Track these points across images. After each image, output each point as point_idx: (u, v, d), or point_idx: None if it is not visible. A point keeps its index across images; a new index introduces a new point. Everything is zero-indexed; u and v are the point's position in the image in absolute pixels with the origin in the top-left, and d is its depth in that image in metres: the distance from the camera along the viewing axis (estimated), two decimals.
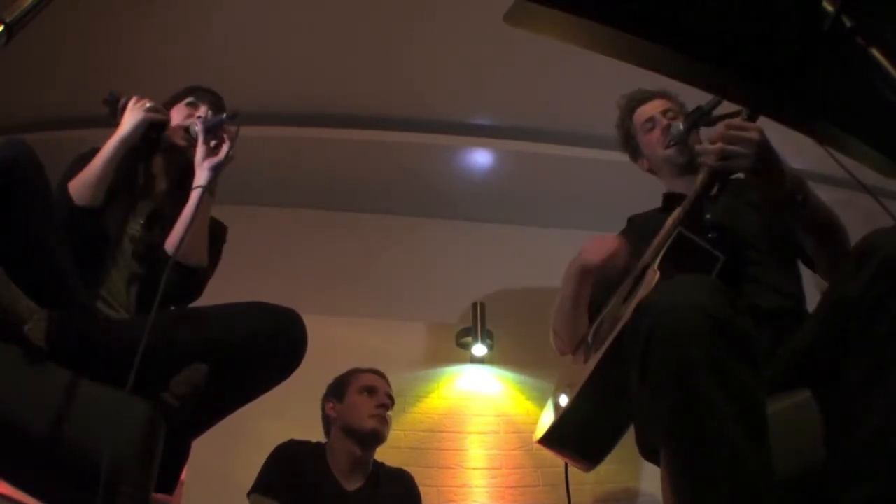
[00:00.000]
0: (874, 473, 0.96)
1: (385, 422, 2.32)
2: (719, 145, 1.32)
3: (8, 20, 0.71)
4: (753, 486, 0.94)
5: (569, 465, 1.51)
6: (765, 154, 1.29)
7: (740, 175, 1.49)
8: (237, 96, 1.82)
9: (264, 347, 1.39)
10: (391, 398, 2.39)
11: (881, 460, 0.96)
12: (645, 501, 2.93)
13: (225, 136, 1.62)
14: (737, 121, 1.32)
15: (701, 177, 1.48)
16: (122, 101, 1.64)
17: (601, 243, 1.57)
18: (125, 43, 2.80)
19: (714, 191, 1.53)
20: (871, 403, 0.99)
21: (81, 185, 1.50)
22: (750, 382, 1.00)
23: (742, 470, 0.95)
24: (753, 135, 1.29)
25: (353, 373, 2.42)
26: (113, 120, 1.62)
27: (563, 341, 1.67)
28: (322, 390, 2.44)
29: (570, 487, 1.61)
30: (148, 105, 1.61)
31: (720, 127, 1.33)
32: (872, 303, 1.01)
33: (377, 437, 2.29)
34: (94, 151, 1.55)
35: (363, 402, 2.31)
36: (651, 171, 1.77)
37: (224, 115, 1.64)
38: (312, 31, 2.81)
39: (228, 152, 1.60)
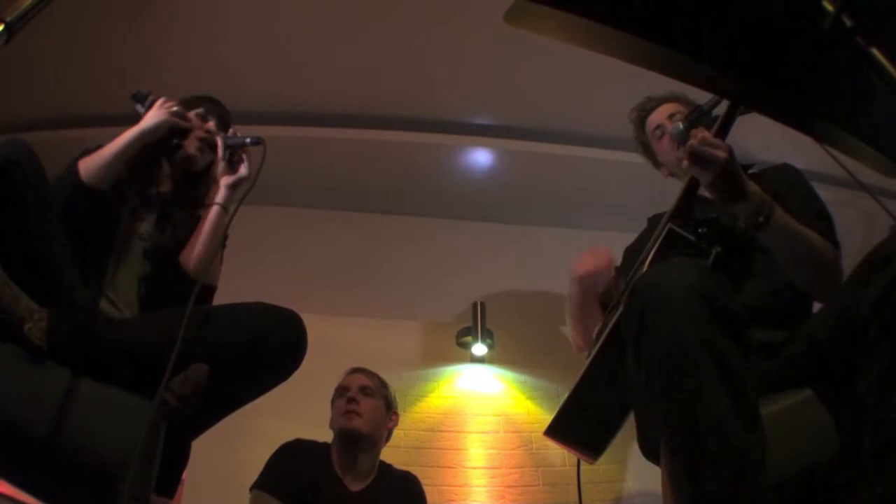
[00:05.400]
0: (883, 478, 0.96)
1: (355, 415, 2.27)
2: (689, 145, 1.34)
3: (8, 20, 0.70)
4: (747, 466, 0.95)
5: (579, 459, 1.52)
6: (727, 173, 1.31)
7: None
8: (239, 96, 1.83)
9: (265, 348, 1.39)
10: (363, 389, 2.34)
11: (892, 466, 0.96)
12: (645, 501, 2.93)
13: (244, 156, 1.67)
14: (710, 136, 1.34)
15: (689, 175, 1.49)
16: (151, 98, 1.64)
17: (588, 257, 1.64)
18: (127, 43, 2.80)
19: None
20: (884, 409, 0.99)
21: (92, 164, 1.50)
22: (738, 361, 1.01)
23: (736, 449, 0.95)
24: (720, 153, 1.31)
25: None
26: (138, 117, 1.61)
27: (577, 335, 1.72)
28: (322, 390, 2.44)
29: (570, 487, 1.62)
30: (174, 109, 1.62)
31: (696, 134, 1.34)
32: (892, 309, 1.01)
33: (348, 434, 2.25)
34: (100, 147, 1.54)
35: (338, 403, 2.34)
36: (673, 175, 1.79)
37: (248, 139, 1.68)
38: (315, 33, 2.81)
39: (246, 173, 1.66)
